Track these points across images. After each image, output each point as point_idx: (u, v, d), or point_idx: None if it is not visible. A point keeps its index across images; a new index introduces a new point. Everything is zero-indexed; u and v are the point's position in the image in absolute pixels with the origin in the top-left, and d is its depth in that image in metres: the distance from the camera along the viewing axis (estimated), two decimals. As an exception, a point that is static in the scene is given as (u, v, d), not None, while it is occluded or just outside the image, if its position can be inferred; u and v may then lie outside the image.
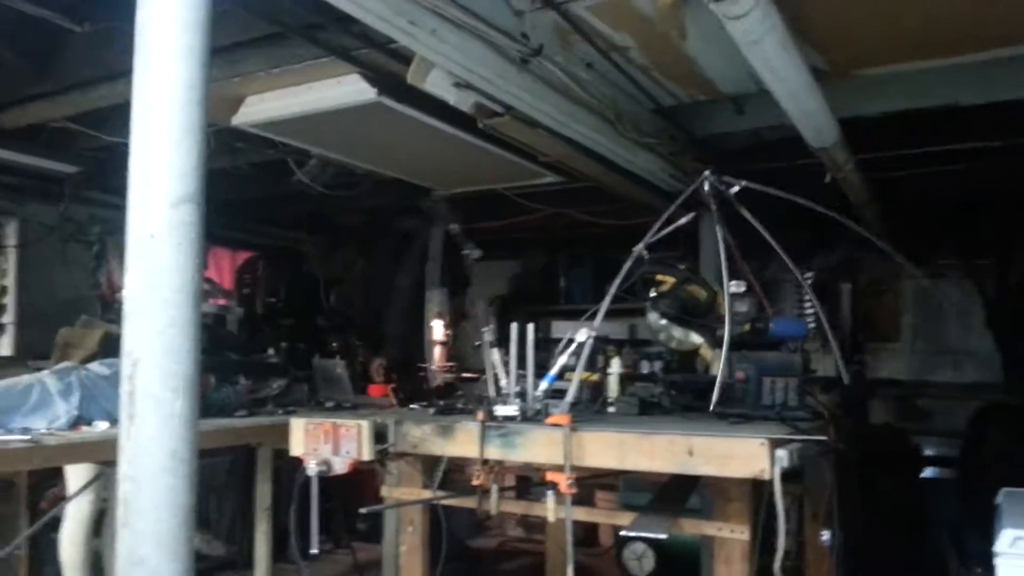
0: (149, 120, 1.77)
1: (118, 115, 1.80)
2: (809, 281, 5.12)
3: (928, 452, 5.76)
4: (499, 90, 2.96)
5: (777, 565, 2.32)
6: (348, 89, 3.42)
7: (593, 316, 2.70)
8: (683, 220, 3.05)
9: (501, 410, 2.54)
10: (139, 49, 1.79)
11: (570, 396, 2.63)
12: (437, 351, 5.36)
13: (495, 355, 2.69)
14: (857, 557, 3.59)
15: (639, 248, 2.86)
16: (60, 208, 5.28)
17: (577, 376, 2.67)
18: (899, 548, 4.71)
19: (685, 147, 4.09)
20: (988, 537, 2.46)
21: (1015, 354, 5.67)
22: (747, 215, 2.98)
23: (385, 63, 3.23)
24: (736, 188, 3.04)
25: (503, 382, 2.64)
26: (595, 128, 3.49)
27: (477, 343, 2.90)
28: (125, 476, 1.64)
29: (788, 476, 2.35)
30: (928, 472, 5.78)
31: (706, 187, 3.04)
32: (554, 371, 2.66)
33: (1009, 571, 2.33)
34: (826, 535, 3.08)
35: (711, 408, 2.76)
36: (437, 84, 3.02)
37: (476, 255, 2.99)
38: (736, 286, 3.40)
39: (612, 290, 2.70)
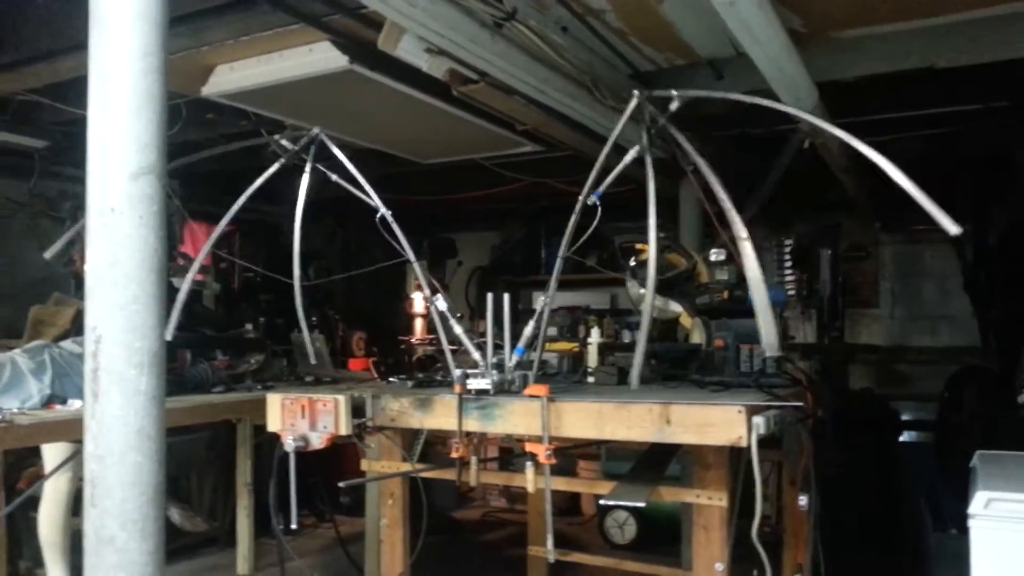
0: (106, 90, 1.72)
1: (85, 87, 1.74)
2: (789, 247, 5.12)
3: (906, 416, 5.83)
4: (473, 56, 2.91)
5: (755, 530, 2.33)
6: (319, 57, 3.36)
7: (572, 284, 2.67)
8: (629, 157, 2.69)
9: (474, 383, 2.52)
10: (94, 17, 1.74)
11: (535, 366, 2.61)
12: (417, 324, 5.33)
13: (456, 326, 2.66)
14: (835, 521, 3.63)
15: (583, 198, 2.70)
16: (30, 184, 5.19)
17: (540, 345, 2.65)
18: (876, 511, 4.77)
19: (672, 116, 4.04)
20: (963, 499, 2.48)
21: (992, 318, 5.72)
22: (680, 137, 2.60)
23: (357, 29, 3.17)
24: (674, 104, 2.54)
25: (474, 354, 2.61)
26: (572, 95, 3.44)
27: (459, 314, 2.85)
28: (91, 455, 1.61)
29: (766, 442, 2.36)
30: (906, 436, 5.86)
31: (645, 116, 2.62)
32: (521, 343, 2.63)
33: (982, 533, 2.36)
34: (804, 500, 3.10)
35: (690, 377, 2.76)
36: (409, 50, 2.96)
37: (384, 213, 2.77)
38: (716, 254, 3.39)
39: (563, 248, 2.66)
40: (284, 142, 2.99)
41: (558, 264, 2.67)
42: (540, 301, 2.64)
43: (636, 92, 2.57)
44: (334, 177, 2.93)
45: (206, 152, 3.44)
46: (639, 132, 4.00)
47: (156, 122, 1.72)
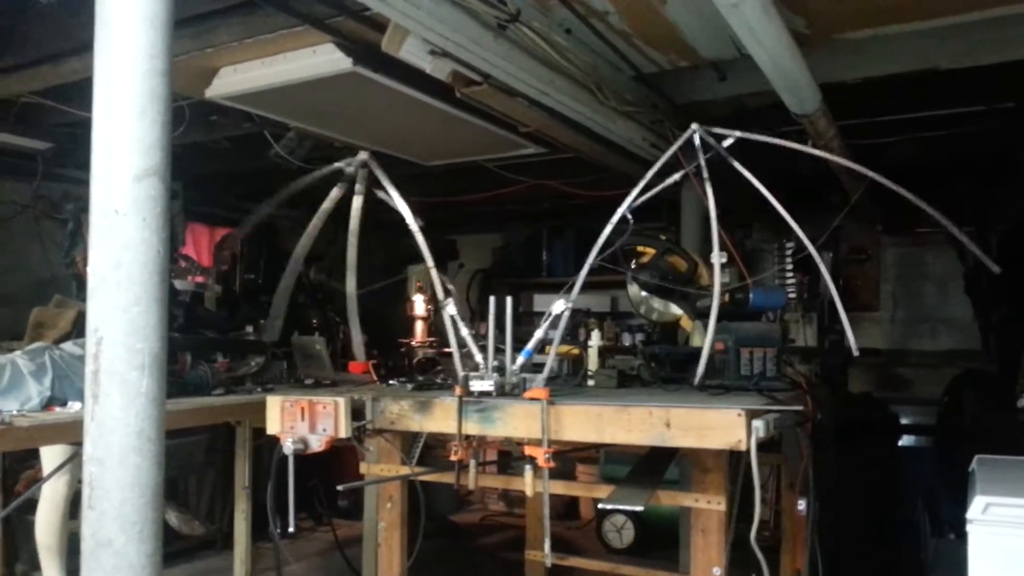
0: (111, 92, 1.72)
1: (89, 89, 1.75)
2: (790, 250, 5.12)
3: (906, 420, 5.82)
4: (476, 57, 2.91)
5: (753, 534, 2.33)
6: (323, 59, 3.36)
7: (572, 287, 2.67)
8: (671, 179, 2.86)
9: (477, 385, 2.52)
10: (99, 18, 1.74)
11: (547, 369, 2.61)
12: (418, 326, 5.33)
13: (464, 329, 2.66)
14: (833, 525, 3.62)
15: (622, 211, 2.74)
16: (33, 185, 5.19)
17: (554, 349, 2.65)
18: (874, 516, 4.77)
19: (667, 115, 4.06)
20: (962, 504, 2.48)
21: (993, 322, 5.71)
22: (740, 168, 2.80)
23: (360, 31, 3.18)
24: (729, 140, 2.81)
25: (477, 357, 2.61)
26: (575, 96, 3.45)
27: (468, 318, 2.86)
28: (91, 457, 1.61)
29: (765, 446, 2.36)
30: (905, 440, 5.85)
31: (696, 141, 2.84)
32: (531, 345, 2.63)
33: (981, 538, 2.35)
34: (802, 504, 3.10)
35: (695, 381, 2.76)
36: (413, 52, 2.96)
37: (419, 224, 2.91)
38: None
39: (591, 259, 2.66)
40: (349, 168, 3.13)
41: (583, 271, 2.69)
42: (558, 305, 2.62)
43: (695, 126, 2.78)
44: (382, 196, 3.03)
45: (292, 188, 3.49)
46: (641, 132, 4.04)
47: (160, 124, 1.72)
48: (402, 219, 3.06)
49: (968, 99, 4.09)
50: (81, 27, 3.21)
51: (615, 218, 2.69)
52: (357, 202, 3.13)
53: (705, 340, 3.19)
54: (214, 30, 3.20)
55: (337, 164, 3.18)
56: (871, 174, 2.29)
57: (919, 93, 3.97)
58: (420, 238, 2.77)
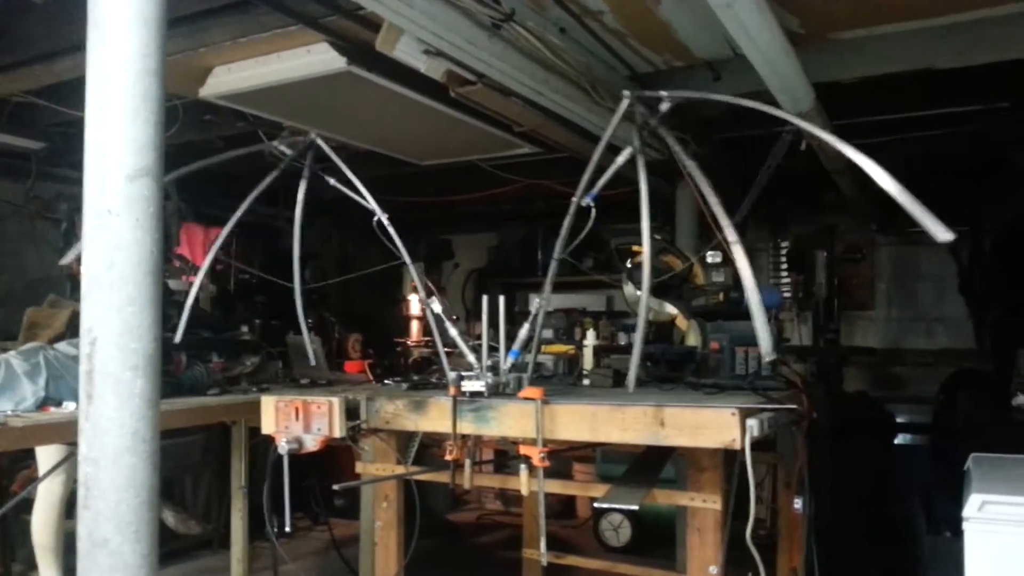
0: (104, 91, 1.72)
1: (82, 89, 1.74)
2: (785, 249, 5.13)
3: (901, 419, 5.83)
4: (470, 57, 2.92)
5: (749, 533, 2.34)
6: (317, 58, 3.36)
7: (568, 287, 2.67)
8: (621, 159, 2.70)
9: (468, 385, 2.52)
10: (92, 17, 1.73)
11: (530, 368, 2.61)
12: (413, 326, 5.33)
13: (451, 329, 2.66)
14: (829, 524, 3.63)
15: (576, 200, 2.73)
16: (27, 185, 5.18)
17: (535, 347, 2.65)
18: (870, 514, 4.78)
19: (664, 117, 4.05)
20: (957, 502, 2.49)
21: (987, 321, 5.73)
22: (671, 141, 2.61)
23: (354, 31, 3.17)
24: (665, 104, 2.54)
25: (468, 356, 2.61)
26: (570, 96, 3.45)
27: (455, 316, 2.86)
28: (85, 457, 1.61)
29: (761, 445, 2.36)
30: (901, 439, 5.86)
31: (636, 111, 2.62)
32: (516, 345, 2.63)
33: (976, 536, 2.36)
34: (798, 503, 3.10)
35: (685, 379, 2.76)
36: (407, 51, 2.97)
37: (380, 217, 2.83)
38: (712, 256, 3.39)
39: (557, 249, 2.66)
40: (283, 147, 3.01)
41: (552, 266, 2.67)
42: (535, 303, 2.64)
43: (626, 92, 2.58)
44: (332, 181, 2.94)
45: (209, 160, 3.44)
46: (636, 132, 4.03)
47: (154, 123, 1.71)
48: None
49: (963, 99, 4.10)
50: (74, 26, 3.20)
51: (572, 208, 2.68)
52: (302, 187, 3.06)
53: (699, 339, 3.21)
54: (208, 29, 3.19)
55: (274, 143, 3.09)
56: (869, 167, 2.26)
57: (914, 93, 3.97)
58: (392, 231, 2.75)
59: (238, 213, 3.09)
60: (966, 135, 4.62)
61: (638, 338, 2.52)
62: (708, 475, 2.48)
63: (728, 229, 2.36)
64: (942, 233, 1.99)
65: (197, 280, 3.00)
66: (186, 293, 4.33)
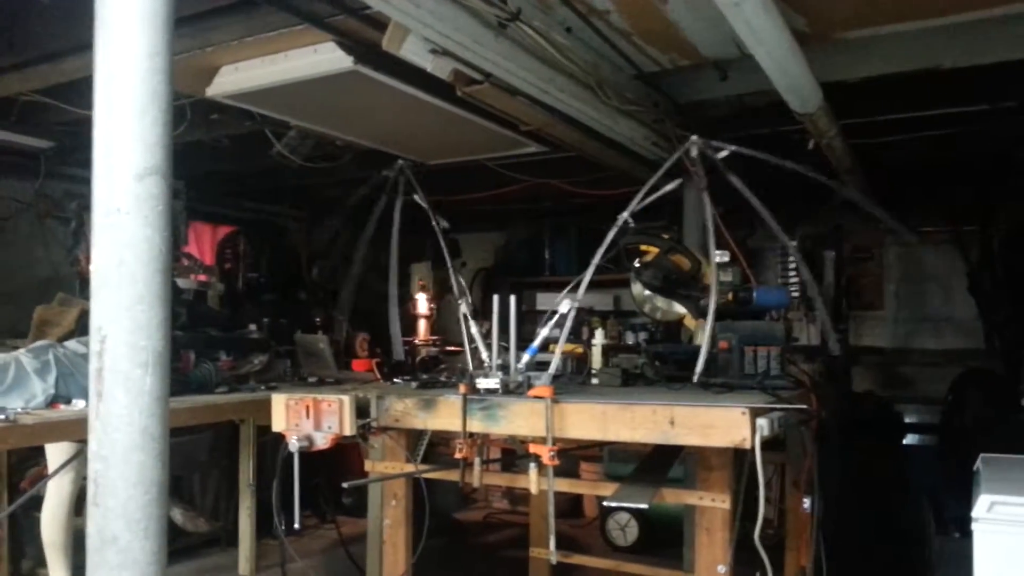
0: (112, 90, 1.72)
1: (90, 88, 1.75)
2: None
3: (910, 419, 5.81)
4: (477, 56, 2.91)
5: (757, 533, 2.33)
6: (324, 57, 3.36)
7: (577, 287, 2.68)
8: (669, 187, 2.93)
9: (483, 383, 2.52)
10: (100, 17, 1.74)
11: (552, 367, 2.61)
12: (421, 324, 5.33)
13: (474, 328, 2.67)
14: (838, 524, 3.62)
15: (624, 216, 2.80)
16: (36, 184, 5.21)
17: (559, 347, 2.65)
18: (879, 514, 4.76)
19: (668, 114, 4.05)
20: (966, 502, 2.48)
21: (996, 320, 5.70)
22: (736, 182, 2.91)
23: (361, 30, 3.17)
24: (724, 152, 2.95)
25: (484, 355, 2.62)
26: (576, 95, 3.44)
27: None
28: (95, 455, 1.61)
29: (770, 445, 2.35)
30: (910, 439, 5.84)
31: (693, 152, 2.95)
32: (536, 343, 2.64)
33: (985, 536, 2.35)
34: (807, 502, 3.09)
35: (694, 379, 2.76)
36: (413, 51, 2.96)
37: (444, 226, 3.06)
38: (720, 256, 3.38)
39: (596, 260, 2.67)
40: (386, 173, 3.44)
41: (588, 271, 2.71)
42: (564, 304, 2.62)
43: (694, 138, 2.90)
44: (418, 198, 3.34)
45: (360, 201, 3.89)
46: (643, 131, 4.03)
47: (162, 122, 1.72)
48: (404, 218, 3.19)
49: (970, 99, 4.07)
50: (82, 26, 3.20)
51: (619, 222, 2.72)
52: (398, 205, 3.34)
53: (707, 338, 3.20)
54: (215, 29, 3.19)
55: (384, 172, 3.55)
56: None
57: (921, 92, 3.95)
58: (441, 239, 2.83)
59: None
60: (973, 135, 4.60)
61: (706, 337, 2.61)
62: (717, 474, 2.48)
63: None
64: (909, 235, 2.12)
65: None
66: (195, 292, 4.36)
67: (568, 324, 2.64)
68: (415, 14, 2.54)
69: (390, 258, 3.42)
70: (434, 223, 2.92)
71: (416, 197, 3.08)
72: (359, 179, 5.29)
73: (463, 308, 2.69)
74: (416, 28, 2.71)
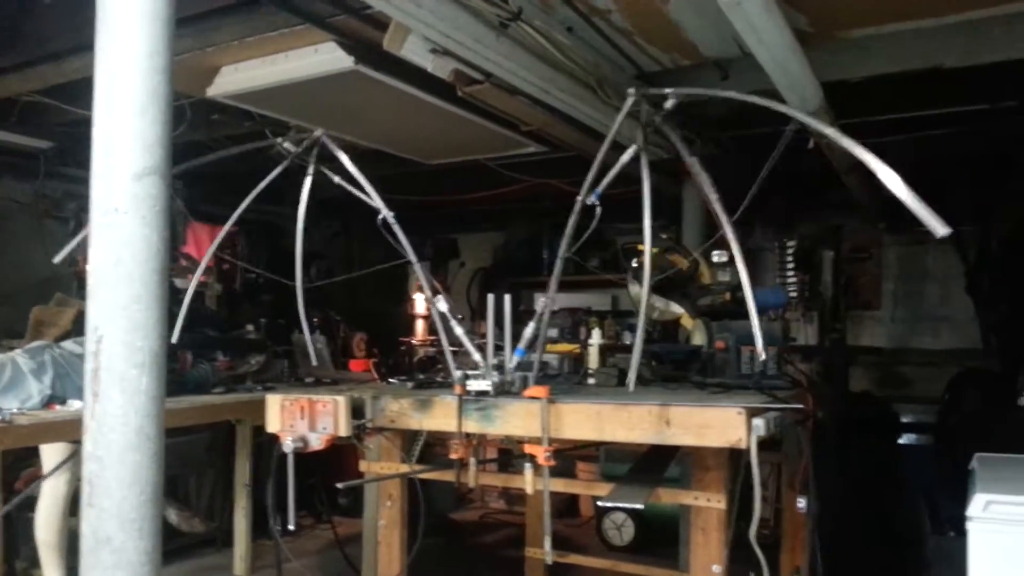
0: (112, 90, 1.72)
1: (90, 88, 1.75)
2: (791, 249, 5.12)
3: (907, 419, 5.82)
4: (478, 56, 2.92)
5: (753, 532, 2.33)
6: (324, 57, 3.36)
7: (573, 286, 2.67)
8: (625, 158, 2.66)
9: (476, 384, 2.52)
10: (100, 17, 1.74)
11: (535, 367, 2.60)
12: (419, 325, 5.33)
13: (458, 328, 2.66)
14: (834, 523, 3.62)
15: (581, 199, 2.69)
16: (35, 184, 5.20)
17: (540, 346, 2.65)
18: (875, 514, 4.77)
19: (668, 114, 4.04)
20: (962, 501, 2.48)
21: (993, 320, 5.71)
22: (675, 138, 2.57)
23: (362, 30, 3.18)
24: (670, 102, 2.49)
25: (474, 355, 2.61)
26: (576, 95, 3.45)
27: (459, 316, 2.85)
28: (90, 455, 1.61)
29: (766, 445, 2.35)
30: (906, 438, 5.85)
31: (641, 109, 2.57)
32: (522, 344, 2.63)
33: (981, 535, 2.35)
34: (802, 502, 3.10)
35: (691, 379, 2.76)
36: (414, 50, 2.97)
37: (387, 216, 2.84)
38: (718, 256, 3.39)
39: (562, 248, 2.65)
40: (288, 144, 3.01)
41: (558, 265, 2.65)
42: (540, 302, 2.63)
43: (631, 90, 2.55)
44: (336, 179, 2.94)
45: (213, 156, 3.44)
46: (643, 131, 4.02)
47: (161, 122, 1.72)
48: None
49: (971, 98, 4.08)
50: (82, 25, 3.20)
51: (576, 207, 2.66)
52: (306, 184, 3.08)
53: (705, 339, 3.20)
54: (216, 28, 3.19)
55: (280, 140, 3.10)
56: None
57: (921, 92, 3.96)
58: (399, 230, 2.74)
59: (239, 211, 3.09)
60: (973, 134, 4.60)
61: (638, 338, 2.50)
62: (713, 474, 2.48)
63: (728, 227, 2.34)
64: (940, 228, 2.01)
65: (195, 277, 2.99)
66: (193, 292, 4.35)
67: (545, 322, 2.60)
68: (416, 14, 2.54)
69: (296, 244, 3.24)
70: (383, 211, 2.79)
71: (338, 179, 2.90)
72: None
73: (440, 306, 2.66)
74: (417, 28, 2.71)
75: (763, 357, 2.39)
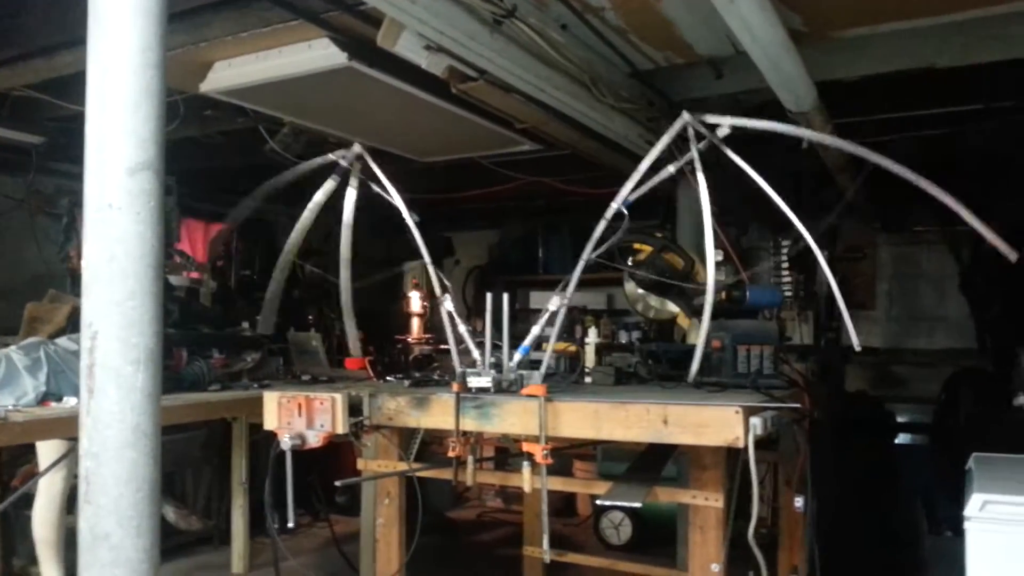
0: (105, 85, 1.71)
1: (83, 83, 1.73)
2: (787, 249, 5.12)
3: (902, 419, 5.83)
4: (472, 53, 2.90)
5: (751, 531, 2.33)
6: (318, 53, 3.35)
7: (567, 285, 2.66)
8: (665, 173, 2.67)
9: (474, 381, 2.51)
10: (93, 11, 1.73)
11: (544, 366, 2.60)
12: (415, 323, 5.33)
13: (461, 326, 2.65)
14: (831, 522, 3.63)
15: (616, 205, 2.66)
16: (27, 180, 5.17)
17: (551, 345, 2.64)
18: (871, 513, 4.78)
19: (663, 112, 4.05)
20: (958, 501, 2.48)
21: (988, 320, 5.72)
22: (735, 157, 2.60)
23: (355, 26, 3.16)
24: (725, 130, 2.56)
25: (475, 354, 2.61)
26: (571, 93, 3.44)
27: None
28: (86, 452, 1.60)
29: (763, 443, 2.35)
30: (902, 438, 5.87)
31: (690, 132, 2.60)
32: (528, 341, 2.62)
33: (978, 535, 2.36)
34: (800, 501, 3.10)
35: (688, 378, 2.75)
36: (408, 47, 2.95)
37: (415, 220, 2.95)
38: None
39: (586, 253, 2.64)
40: (339, 159, 3.13)
41: (579, 266, 2.61)
42: (554, 302, 2.59)
43: (686, 114, 2.56)
44: (377, 188, 3.02)
45: (290, 173, 3.48)
46: (637, 129, 4.02)
47: (155, 117, 1.70)
48: (397, 215, 3.08)
49: (965, 98, 4.09)
50: (74, 20, 3.18)
51: (608, 213, 2.66)
52: (351, 195, 3.14)
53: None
54: (208, 24, 3.18)
55: (330, 156, 3.21)
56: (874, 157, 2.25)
57: (916, 91, 3.96)
58: (417, 233, 2.76)
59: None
60: (967, 134, 4.61)
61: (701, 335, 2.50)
62: (710, 473, 2.48)
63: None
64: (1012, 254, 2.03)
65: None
66: (187, 289, 4.34)
67: (559, 322, 2.61)
68: (410, 10, 2.53)
69: (340, 250, 3.33)
70: (406, 217, 2.85)
71: (376, 187, 2.98)
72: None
73: (447, 305, 2.66)
74: (411, 24, 2.70)
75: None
